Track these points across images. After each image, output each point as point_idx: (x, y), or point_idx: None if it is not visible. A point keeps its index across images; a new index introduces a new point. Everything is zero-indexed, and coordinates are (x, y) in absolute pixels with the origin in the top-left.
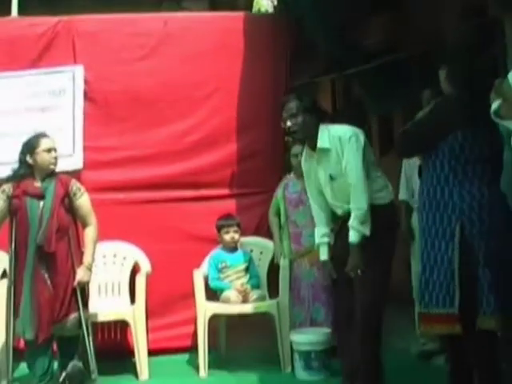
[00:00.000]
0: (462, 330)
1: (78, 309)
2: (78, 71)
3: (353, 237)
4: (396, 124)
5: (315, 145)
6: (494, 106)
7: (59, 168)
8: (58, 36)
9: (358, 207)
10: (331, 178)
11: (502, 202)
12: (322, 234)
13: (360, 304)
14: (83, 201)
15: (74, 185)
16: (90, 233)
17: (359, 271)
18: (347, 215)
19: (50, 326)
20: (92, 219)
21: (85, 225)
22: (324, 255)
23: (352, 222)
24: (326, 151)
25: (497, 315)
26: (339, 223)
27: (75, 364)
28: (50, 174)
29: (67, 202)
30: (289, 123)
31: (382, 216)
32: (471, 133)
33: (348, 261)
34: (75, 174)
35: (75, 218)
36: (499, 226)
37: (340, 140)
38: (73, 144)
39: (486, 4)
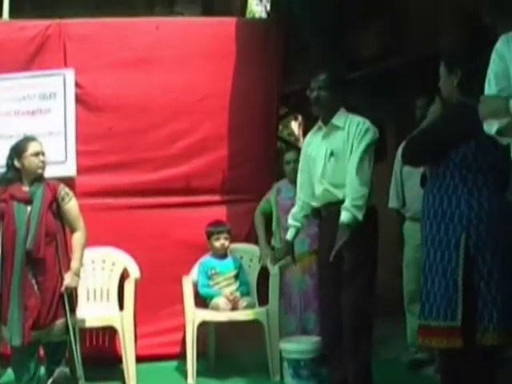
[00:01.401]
0: (463, 344)
1: (65, 314)
2: (69, 74)
3: (344, 217)
4: (388, 133)
5: (329, 120)
6: (499, 125)
7: (51, 174)
8: (48, 39)
9: (355, 191)
10: (332, 153)
11: (511, 212)
12: (295, 218)
13: (347, 310)
14: (71, 206)
15: (63, 189)
16: (78, 238)
17: (345, 253)
18: (326, 203)
19: (31, 331)
20: (80, 224)
21: (73, 230)
22: (290, 236)
23: (346, 204)
24: (337, 128)
25: (499, 330)
26: (322, 222)
27: (62, 370)
28: (38, 179)
29: (55, 207)
30: (315, 94)
31: (366, 219)
32: (485, 141)
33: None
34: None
35: (63, 223)
36: (507, 237)
37: (358, 125)
38: (65, 150)
39: (481, 11)
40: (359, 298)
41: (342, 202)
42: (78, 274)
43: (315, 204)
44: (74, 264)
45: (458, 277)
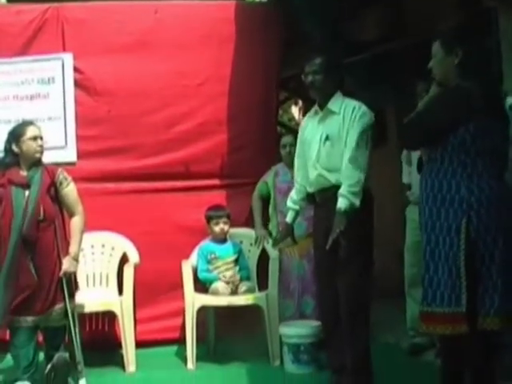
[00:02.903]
0: (468, 329)
1: (64, 299)
2: (68, 59)
3: (341, 203)
4: (389, 117)
5: (325, 104)
6: None
7: (51, 160)
8: (46, 23)
9: (351, 177)
10: (327, 138)
11: (510, 196)
12: (294, 201)
13: (344, 296)
14: (69, 190)
15: (61, 174)
16: (76, 222)
17: (342, 241)
18: (320, 188)
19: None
20: (79, 209)
21: (71, 214)
22: (289, 219)
23: (343, 190)
24: (332, 113)
25: (501, 315)
26: (316, 207)
27: (61, 355)
28: (36, 163)
29: (53, 192)
30: (310, 78)
31: (362, 204)
32: (484, 124)
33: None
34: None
35: (61, 207)
36: (507, 222)
37: (353, 110)
38: (65, 135)
39: None
40: (355, 284)
41: (335, 187)
42: (76, 259)
43: (309, 189)
44: (72, 249)
45: (460, 262)
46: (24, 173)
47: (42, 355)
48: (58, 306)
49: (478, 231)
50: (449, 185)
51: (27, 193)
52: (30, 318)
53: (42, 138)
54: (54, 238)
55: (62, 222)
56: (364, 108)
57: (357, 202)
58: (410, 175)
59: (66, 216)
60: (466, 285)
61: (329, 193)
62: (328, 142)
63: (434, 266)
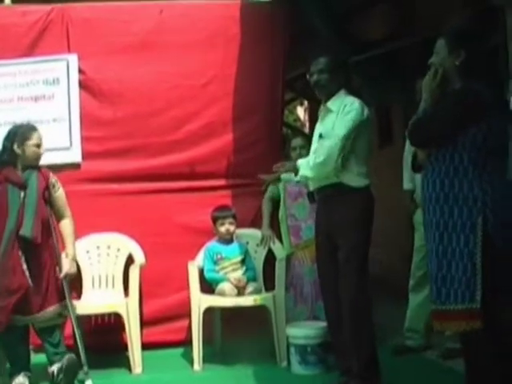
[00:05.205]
0: (482, 325)
1: (59, 301)
2: (72, 60)
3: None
4: (395, 117)
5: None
6: None
7: (56, 161)
8: (51, 24)
9: (321, 155)
10: (320, 136)
11: None
12: None
13: (344, 297)
14: (60, 193)
15: (53, 177)
16: (68, 225)
17: (341, 242)
18: (318, 186)
19: (8, 314)
20: (68, 211)
21: (61, 217)
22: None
23: (309, 159)
24: (330, 112)
25: None
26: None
27: (71, 356)
28: (32, 166)
29: (47, 194)
30: (315, 77)
31: (356, 199)
32: (494, 123)
33: None
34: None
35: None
36: None
37: (345, 106)
38: (69, 136)
39: None
40: (355, 284)
41: (332, 185)
42: (75, 260)
43: (310, 187)
44: (70, 250)
45: (477, 259)
46: (20, 173)
47: (43, 358)
48: (50, 309)
49: (495, 226)
50: (460, 183)
51: (22, 194)
52: (22, 318)
53: (42, 146)
54: (48, 240)
55: (54, 225)
56: (357, 104)
57: (308, 173)
58: (413, 180)
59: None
60: (482, 281)
61: (326, 191)
62: (321, 140)
63: (448, 263)
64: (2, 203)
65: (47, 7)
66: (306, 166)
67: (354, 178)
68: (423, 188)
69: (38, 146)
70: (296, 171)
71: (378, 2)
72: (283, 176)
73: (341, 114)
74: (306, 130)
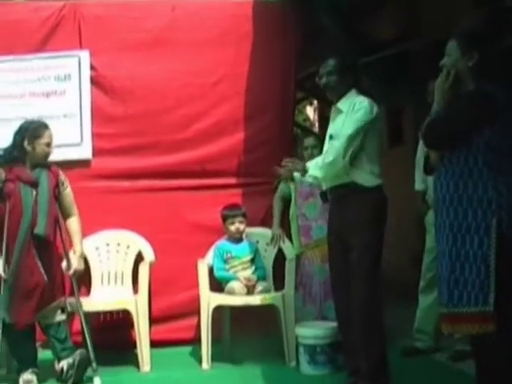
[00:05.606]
0: (495, 328)
1: (62, 295)
2: (84, 56)
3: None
4: (406, 118)
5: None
6: None
7: (67, 157)
8: (63, 20)
9: (330, 155)
10: (331, 137)
11: None
12: None
13: (355, 299)
14: (69, 191)
15: (62, 175)
16: (75, 222)
17: (354, 243)
18: (330, 186)
19: (33, 314)
20: (75, 209)
21: (68, 215)
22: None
23: (319, 161)
24: (339, 112)
25: None
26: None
27: (83, 351)
28: (42, 164)
29: (57, 192)
30: (324, 79)
31: (369, 199)
32: (509, 124)
33: None
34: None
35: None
36: None
37: (354, 105)
38: (80, 132)
39: None
40: (366, 286)
41: (344, 185)
42: (83, 257)
43: (323, 187)
44: (77, 247)
45: (491, 261)
46: (29, 171)
47: (50, 354)
48: (56, 303)
49: (510, 228)
50: (475, 185)
51: (34, 192)
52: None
53: (52, 145)
54: (55, 237)
55: (63, 222)
56: (366, 102)
57: (318, 174)
58: (425, 181)
59: None
60: (495, 284)
61: (339, 191)
62: (332, 141)
63: (461, 266)
64: (15, 202)
65: (59, 3)
66: (315, 166)
67: (367, 177)
68: (436, 189)
69: (49, 144)
70: (304, 172)
71: (388, 2)
72: (296, 175)
73: (350, 114)
74: (316, 129)
